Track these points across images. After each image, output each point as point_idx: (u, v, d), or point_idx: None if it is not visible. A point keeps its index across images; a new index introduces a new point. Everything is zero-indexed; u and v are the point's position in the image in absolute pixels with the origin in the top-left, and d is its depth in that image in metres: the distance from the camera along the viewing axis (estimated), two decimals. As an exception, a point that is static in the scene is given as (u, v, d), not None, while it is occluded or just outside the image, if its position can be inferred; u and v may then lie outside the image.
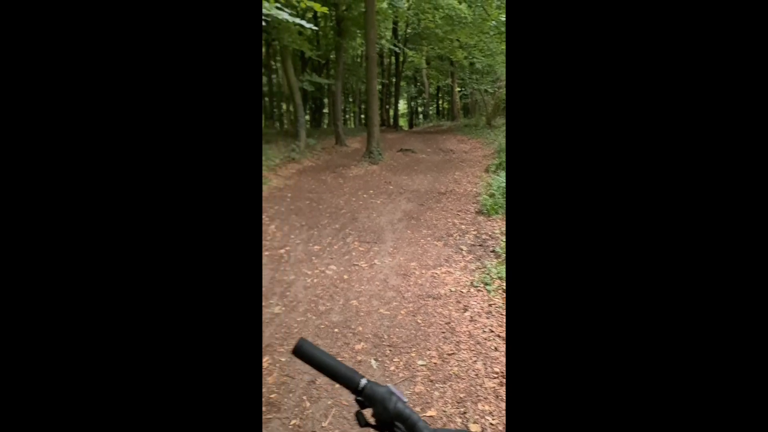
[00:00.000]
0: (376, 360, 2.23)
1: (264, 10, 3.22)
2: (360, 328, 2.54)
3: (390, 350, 2.31)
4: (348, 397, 1.93)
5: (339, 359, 0.65)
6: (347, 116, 22.04)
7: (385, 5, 11.56)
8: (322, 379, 2.06)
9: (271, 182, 6.37)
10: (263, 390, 1.98)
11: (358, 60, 17.90)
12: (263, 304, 2.81)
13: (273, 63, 16.63)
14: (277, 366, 2.16)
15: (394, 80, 19.37)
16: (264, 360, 2.20)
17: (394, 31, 16.11)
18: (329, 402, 1.91)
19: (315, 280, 3.19)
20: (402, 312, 2.73)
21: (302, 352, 0.60)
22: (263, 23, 3.38)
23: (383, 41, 13.80)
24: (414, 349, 2.31)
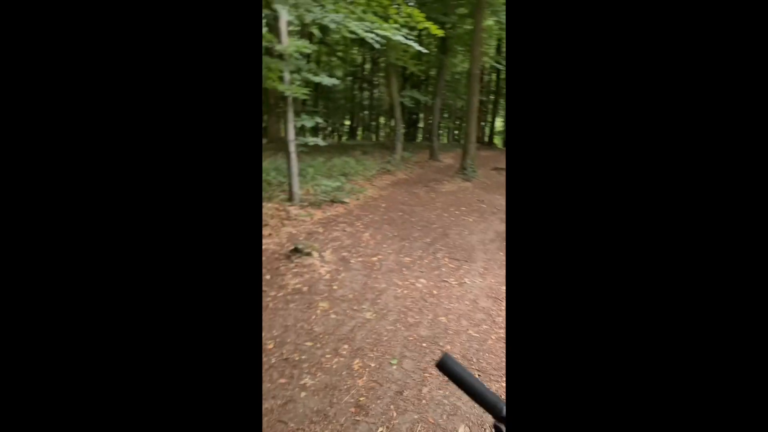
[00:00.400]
0: (464, 382, 2.18)
1: (383, 32, 3.43)
2: (448, 347, 2.51)
3: (479, 375, 2.24)
4: (434, 416, 1.91)
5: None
6: (440, 131, 22.14)
7: (491, 22, 11.43)
8: (409, 392, 2.08)
9: (367, 191, 6.66)
10: (353, 391, 2.06)
11: (457, 77, 17.93)
12: (355, 308, 2.94)
13: (375, 79, 17.48)
14: (366, 370, 2.24)
15: (492, 97, 18.97)
16: (355, 362, 2.30)
17: (498, 48, 15.81)
18: (416, 416, 1.91)
19: (405, 292, 3.24)
20: (492, 337, 2.63)
21: (446, 368, 0.62)
22: (377, 45, 3.60)
23: (486, 58, 13.63)
24: (505, 379, 2.21)
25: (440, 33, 3.30)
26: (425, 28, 3.42)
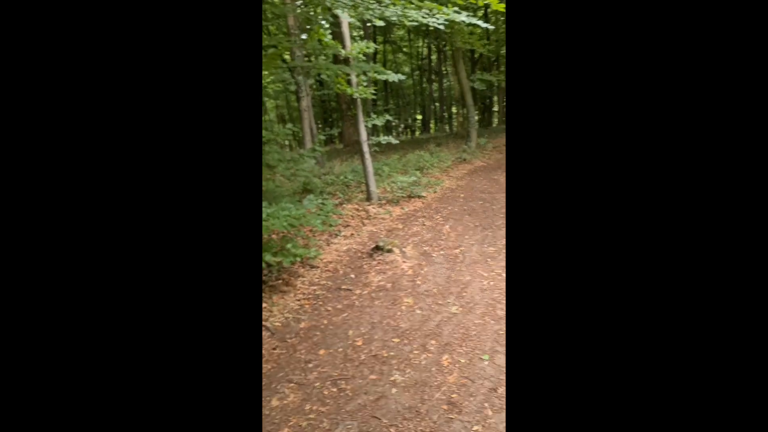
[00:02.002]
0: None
1: (443, 16, 3.30)
2: (545, 341, 2.31)
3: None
4: (535, 415, 1.77)
5: None
6: (518, 112, 20.77)
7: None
8: (504, 390, 1.95)
9: (444, 183, 6.52)
10: (444, 388, 2.00)
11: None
12: (440, 302, 2.87)
13: (444, 69, 17.10)
14: (456, 366, 2.16)
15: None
16: (444, 358, 2.24)
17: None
18: (513, 415, 1.79)
19: (491, 283, 3.08)
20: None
21: None
22: (442, 27, 3.48)
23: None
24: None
25: (501, 7, 3.04)
26: (487, 4, 3.19)
